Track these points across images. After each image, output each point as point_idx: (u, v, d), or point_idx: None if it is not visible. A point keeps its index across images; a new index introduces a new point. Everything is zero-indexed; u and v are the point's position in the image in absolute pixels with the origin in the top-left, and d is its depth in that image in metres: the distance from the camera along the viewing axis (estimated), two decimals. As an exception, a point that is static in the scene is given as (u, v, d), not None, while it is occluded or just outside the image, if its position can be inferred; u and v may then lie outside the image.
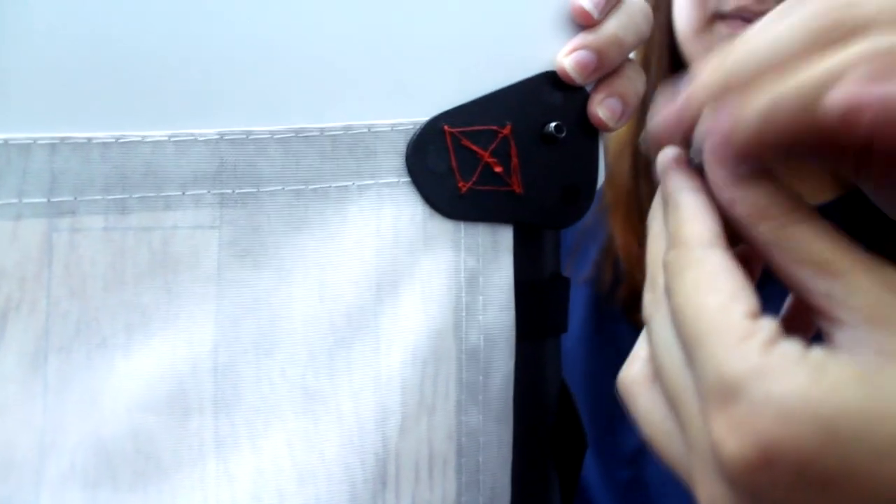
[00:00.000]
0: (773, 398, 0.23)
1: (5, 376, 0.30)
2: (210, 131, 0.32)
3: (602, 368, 0.66)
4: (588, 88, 0.36)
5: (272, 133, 0.32)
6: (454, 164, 0.34)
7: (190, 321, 0.32)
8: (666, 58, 0.63)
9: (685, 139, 0.29)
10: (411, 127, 0.34)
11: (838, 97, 0.24)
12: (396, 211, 0.34)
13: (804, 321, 0.29)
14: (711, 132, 0.27)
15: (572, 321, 0.59)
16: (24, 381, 0.30)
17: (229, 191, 0.32)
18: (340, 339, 0.33)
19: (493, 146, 0.35)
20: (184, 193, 0.32)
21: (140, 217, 0.31)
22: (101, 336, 0.31)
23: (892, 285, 0.24)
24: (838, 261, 0.25)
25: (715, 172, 0.28)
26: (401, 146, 0.34)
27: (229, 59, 0.32)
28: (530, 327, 0.36)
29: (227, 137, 0.32)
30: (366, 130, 0.33)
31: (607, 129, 0.37)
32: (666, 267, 0.27)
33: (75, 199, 0.31)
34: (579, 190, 0.37)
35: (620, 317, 0.66)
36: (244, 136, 0.32)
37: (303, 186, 0.33)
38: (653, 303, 0.29)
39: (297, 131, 0.33)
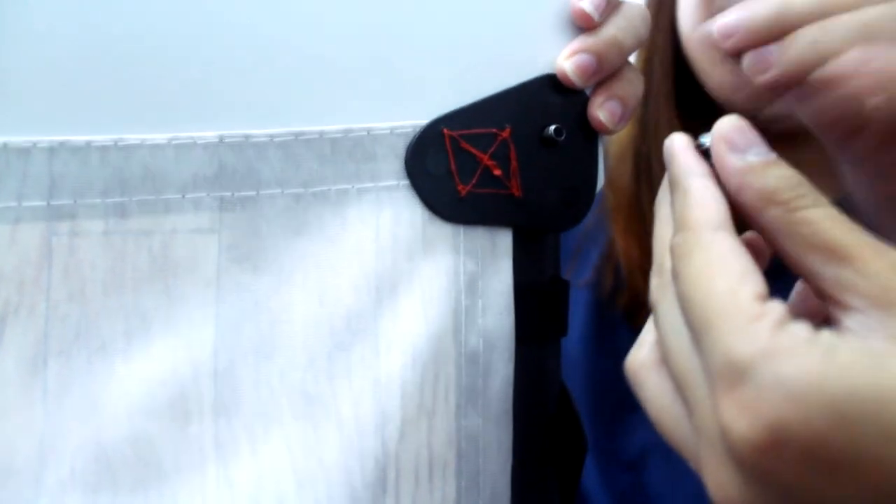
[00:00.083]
0: (782, 380, 0.23)
1: (4, 381, 0.30)
2: (209, 134, 0.32)
3: (602, 372, 0.65)
4: (587, 91, 0.36)
5: (272, 136, 0.32)
6: (453, 167, 0.34)
7: (189, 325, 0.32)
8: (669, 60, 0.63)
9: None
10: (411, 130, 0.34)
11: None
12: (396, 214, 0.34)
13: (811, 310, 0.29)
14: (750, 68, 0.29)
15: (573, 325, 0.59)
16: (24, 385, 0.30)
17: (229, 194, 0.32)
18: (340, 342, 0.33)
19: (492, 149, 0.35)
20: (183, 197, 0.32)
21: (140, 221, 0.31)
22: (100, 340, 0.31)
23: None
24: (847, 246, 0.25)
25: (723, 157, 0.28)
26: (400, 149, 0.34)
27: (229, 61, 0.32)
28: (530, 331, 0.36)
29: (226, 141, 0.32)
30: (365, 133, 0.33)
31: (607, 132, 0.37)
32: (673, 251, 0.28)
33: (75, 202, 0.30)
34: (579, 193, 0.37)
35: (621, 321, 0.66)
36: (244, 140, 0.32)
37: (302, 190, 0.33)
38: (660, 287, 0.29)
39: (296, 134, 0.33)
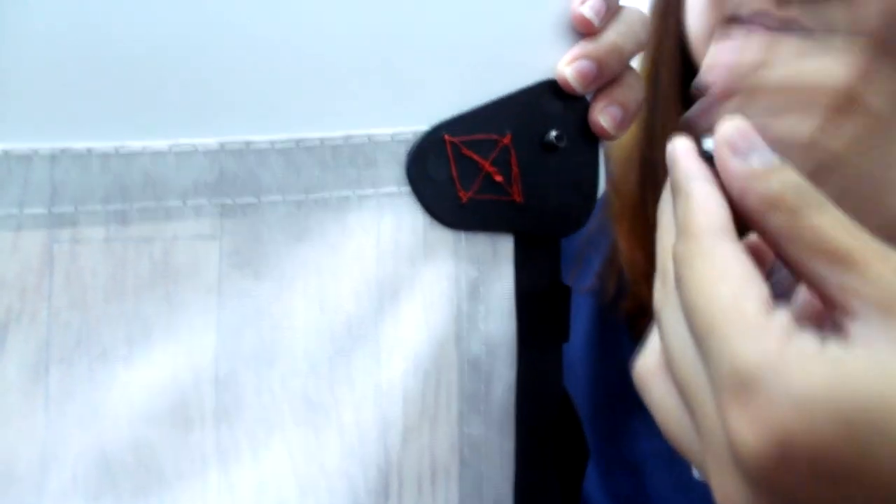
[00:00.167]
0: (791, 392, 0.23)
1: (6, 388, 0.30)
2: (210, 141, 0.32)
3: (605, 378, 0.65)
4: (588, 97, 0.36)
5: (273, 143, 0.32)
6: (455, 173, 0.34)
7: (191, 332, 0.32)
8: (677, 64, 0.62)
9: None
10: (412, 136, 0.34)
11: None
12: (397, 221, 0.34)
13: (815, 315, 0.29)
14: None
15: (576, 331, 0.59)
16: (26, 392, 0.30)
17: (230, 201, 0.32)
18: (341, 349, 0.33)
19: (493, 155, 0.35)
20: (184, 203, 0.32)
21: (141, 227, 0.31)
22: (101, 347, 0.31)
23: None
24: (851, 250, 0.25)
25: (726, 162, 0.28)
26: (401, 155, 0.34)
27: (229, 68, 0.32)
28: (531, 336, 0.36)
29: (227, 147, 0.32)
30: (366, 140, 0.33)
31: (609, 137, 0.37)
32: (676, 257, 0.27)
33: (76, 209, 0.31)
34: (580, 199, 0.37)
35: (624, 327, 0.66)
36: (245, 146, 0.32)
37: (303, 196, 0.33)
38: (663, 294, 0.29)
39: (297, 141, 0.33)
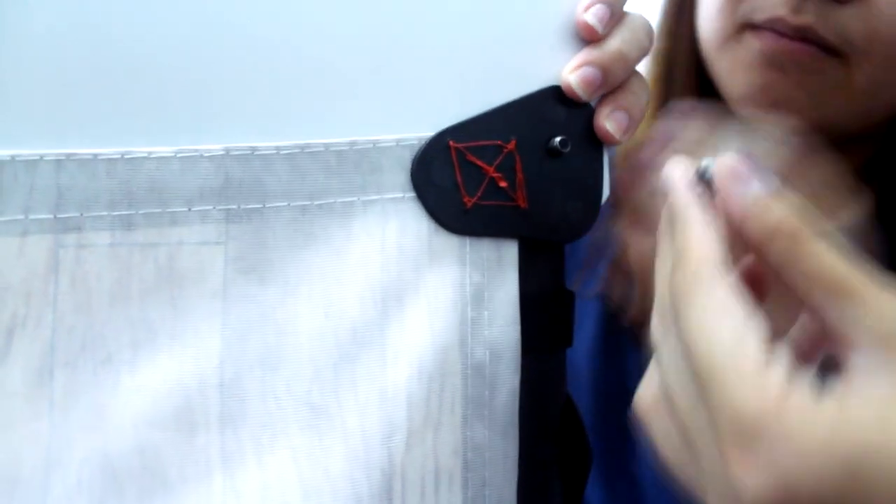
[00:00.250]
0: (793, 438, 0.23)
1: (11, 392, 0.30)
2: (215, 147, 0.32)
3: (609, 385, 0.65)
4: (592, 103, 0.36)
5: (278, 148, 0.33)
6: (459, 179, 0.34)
7: (196, 337, 0.32)
8: (691, 71, 0.61)
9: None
10: (416, 142, 0.34)
11: None
12: (401, 226, 0.34)
13: (814, 345, 0.29)
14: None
15: (581, 337, 0.59)
16: (30, 396, 0.30)
17: (235, 206, 0.32)
18: (346, 354, 0.33)
19: (498, 161, 0.35)
20: (189, 209, 0.32)
21: (146, 233, 0.31)
22: (106, 351, 0.31)
23: None
24: (851, 281, 0.24)
25: (727, 188, 0.27)
26: (406, 161, 0.34)
27: (235, 74, 0.32)
28: (536, 342, 0.36)
29: (232, 153, 0.32)
30: (371, 146, 0.34)
31: (614, 143, 0.37)
32: (674, 289, 0.27)
33: (81, 215, 0.31)
34: (585, 204, 0.37)
35: (630, 333, 0.66)
36: (250, 152, 0.32)
37: (308, 202, 0.33)
38: (662, 330, 0.28)
39: (302, 147, 0.33)
